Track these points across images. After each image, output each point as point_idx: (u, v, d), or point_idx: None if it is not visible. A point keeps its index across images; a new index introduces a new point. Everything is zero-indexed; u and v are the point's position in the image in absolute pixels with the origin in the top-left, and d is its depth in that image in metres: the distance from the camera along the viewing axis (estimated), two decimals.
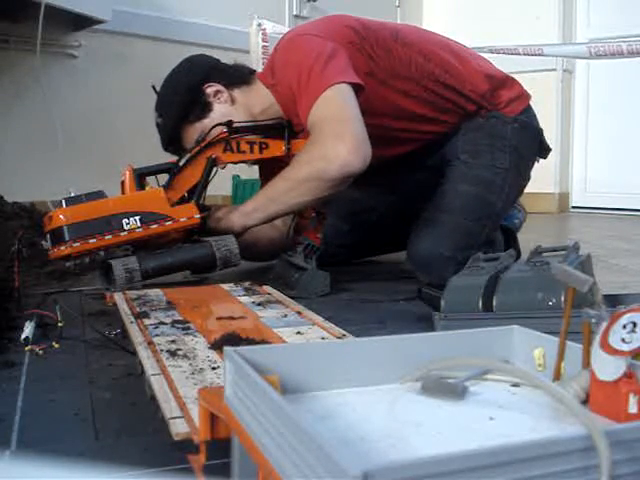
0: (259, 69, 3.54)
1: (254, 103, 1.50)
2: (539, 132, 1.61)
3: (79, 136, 2.87)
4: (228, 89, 1.50)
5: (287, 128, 1.46)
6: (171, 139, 1.50)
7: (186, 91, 1.48)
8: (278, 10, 3.76)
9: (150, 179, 1.42)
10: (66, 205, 1.30)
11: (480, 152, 1.51)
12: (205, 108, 1.47)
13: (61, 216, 1.28)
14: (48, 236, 1.31)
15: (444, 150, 1.56)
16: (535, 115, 1.62)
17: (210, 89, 1.48)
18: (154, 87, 1.51)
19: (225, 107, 1.48)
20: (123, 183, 1.38)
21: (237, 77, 1.52)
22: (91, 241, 1.28)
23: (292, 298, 1.22)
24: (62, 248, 1.27)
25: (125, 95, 3.05)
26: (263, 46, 3.41)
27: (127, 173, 1.37)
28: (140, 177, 1.38)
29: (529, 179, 1.62)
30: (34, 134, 2.74)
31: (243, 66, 1.60)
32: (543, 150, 1.62)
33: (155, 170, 1.42)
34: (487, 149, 1.51)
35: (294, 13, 3.85)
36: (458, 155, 1.52)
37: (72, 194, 1.33)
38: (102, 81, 2.99)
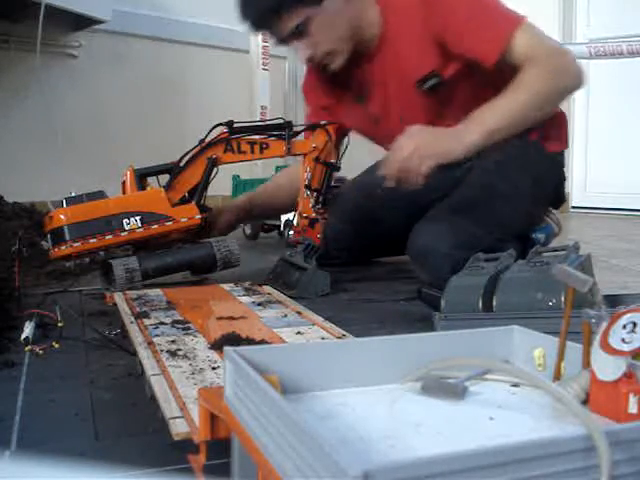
0: (259, 69, 3.55)
1: (366, 15, 1.43)
2: (561, 181, 1.60)
3: (79, 136, 2.87)
4: None
5: (287, 128, 1.46)
6: (269, 16, 1.38)
7: None
8: None
9: (151, 179, 1.42)
10: (67, 205, 1.30)
11: (506, 166, 1.49)
12: None
13: (62, 216, 1.28)
14: (49, 236, 1.31)
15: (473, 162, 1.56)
16: (565, 164, 1.61)
17: None
18: None
19: (341, 3, 1.38)
20: (124, 183, 1.38)
21: None
22: (91, 241, 1.28)
23: (292, 298, 1.22)
24: (62, 248, 1.28)
25: (125, 95, 3.05)
26: (263, 46, 3.41)
27: (128, 173, 1.37)
28: (141, 177, 1.38)
29: (538, 219, 1.60)
30: (34, 134, 2.74)
31: None
32: (557, 199, 1.61)
33: (156, 170, 1.42)
34: (514, 167, 1.49)
35: None
36: (483, 163, 1.52)
37: (73, 194, 1.33)
38: (102, 81, 2.99)
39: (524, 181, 1.48)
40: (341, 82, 1.55)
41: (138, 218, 1.31)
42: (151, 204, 1.34)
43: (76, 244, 1.27)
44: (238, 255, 1.42)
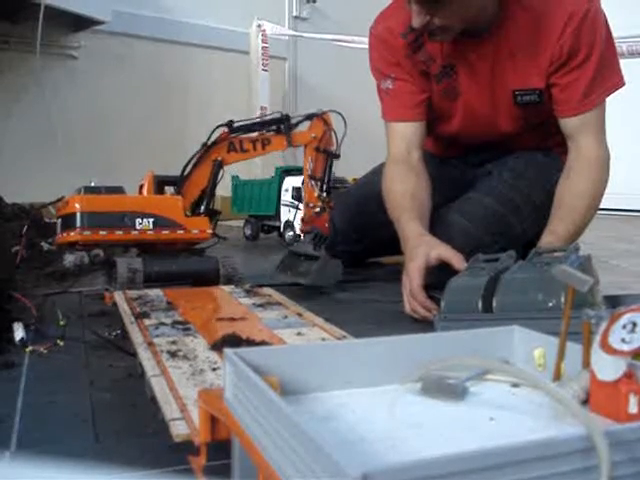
0: (259, 70, 3.55)
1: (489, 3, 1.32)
2: None
3: (79, 137, 2.87)
4: None
5: (286, 121, 1.47)
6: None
7: None
8: (278, 11, 3.77)
9: (166, 188, 1.43)
10: (84, 194, 1.31)
11: (523, 177, 1.50)
12: None
13: (76, 204, 1.29)
14: (59, 220, 1.32)
15: (490, 166, 1.56)
16: None
17: None
18: None
19: None
20: (141, 187, 1.39)
21: None
22: (101, 233, 1.28)
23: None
24: (71, 234, 1.28)
25: (125, 96, 3.05)
26: (263, 47, 3.41)
27: (148, 177, 1.38)
28: (159, 184, 1.39)
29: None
30: (34, 135, 2.75)
31: None
32: None
33: (175, 180, 1.42)
34: (531, 178, 1.50)
35: (294, 14, 3.85)
36: (501, 170, 1.51)
37: (92, 184, 1.34)
38: (102, 82, 2.99)
39: (538, 194, 1.48)
40: (424, 54, 1.45)
41: (151, 220, 1.32)
42: (167, 209, 1.34)
43: (85, 232, 1.27)
44: (242, 274, 1.42)
